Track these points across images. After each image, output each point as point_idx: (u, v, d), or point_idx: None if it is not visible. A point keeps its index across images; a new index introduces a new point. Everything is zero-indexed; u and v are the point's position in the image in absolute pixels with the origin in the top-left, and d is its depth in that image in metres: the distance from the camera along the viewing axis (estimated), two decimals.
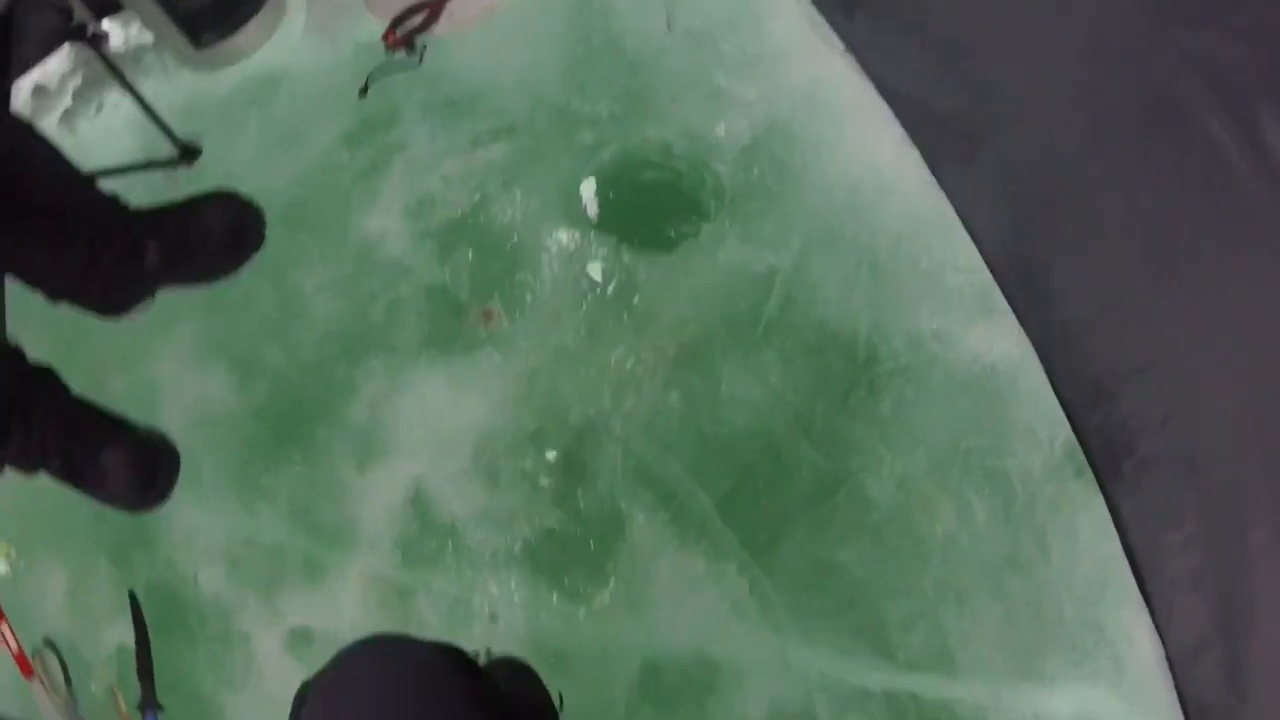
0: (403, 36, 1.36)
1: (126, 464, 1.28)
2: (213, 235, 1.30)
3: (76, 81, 1.64)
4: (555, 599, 1.17)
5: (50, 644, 1.40)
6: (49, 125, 1.63)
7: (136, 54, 1.58)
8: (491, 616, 1.18)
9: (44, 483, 1.29)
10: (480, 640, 1.17)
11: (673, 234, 1.26)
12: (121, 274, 1.25)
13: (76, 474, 1.28)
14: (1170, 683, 1.18)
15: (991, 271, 1.30)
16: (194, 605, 1.30)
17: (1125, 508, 1.23)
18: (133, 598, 1.34)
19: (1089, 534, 1.24)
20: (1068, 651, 1.20)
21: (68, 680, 1.39)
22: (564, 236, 1.27)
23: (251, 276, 1.33)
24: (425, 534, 1.21)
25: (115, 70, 1.38)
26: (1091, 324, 1.22)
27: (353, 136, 1.37)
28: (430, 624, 1.19)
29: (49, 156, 1.17)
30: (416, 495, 1.22)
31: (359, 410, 1.26)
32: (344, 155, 1.35)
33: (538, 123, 1.32)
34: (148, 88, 1.48)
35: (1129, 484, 1.23)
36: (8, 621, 1.42)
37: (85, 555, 1.39)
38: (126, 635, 1.34)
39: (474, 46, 1.39)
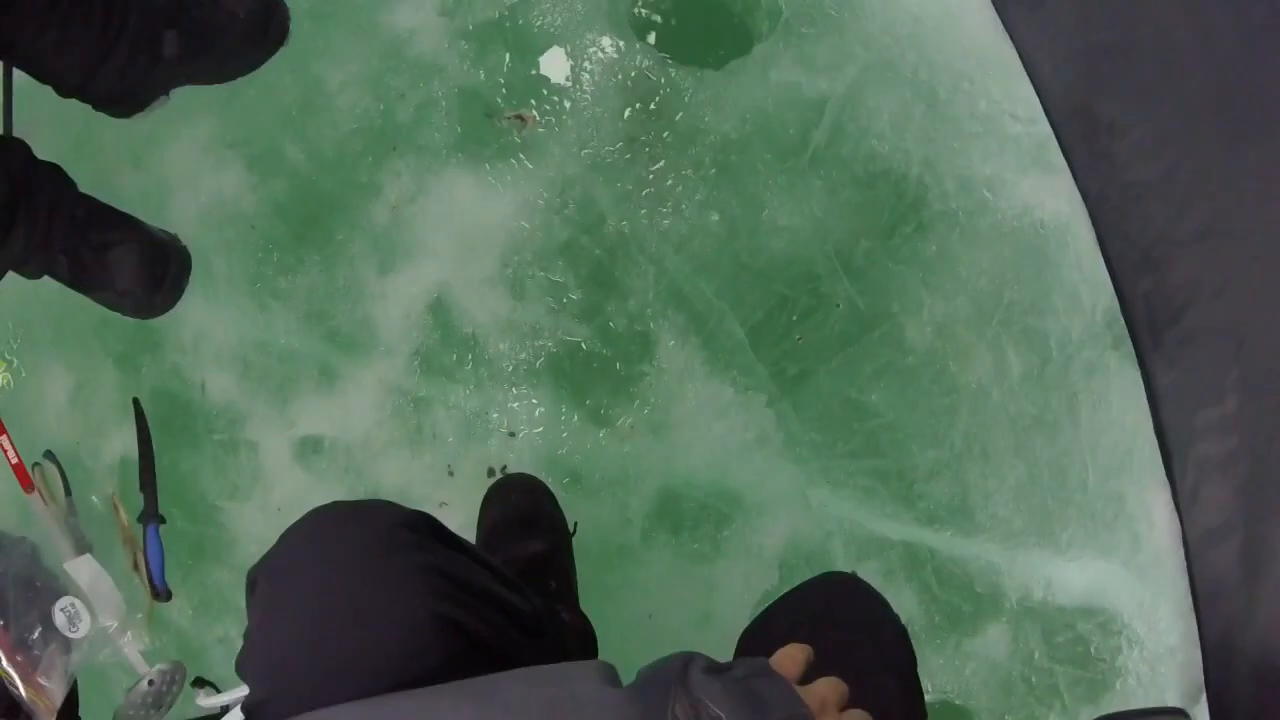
0: None
1: (135, 263, 1.23)
2: (235, 26, 1.21)
3: None
4: (576, 418, 1.15)
5: (50, 455, 1.39)
6: None
7: None
8: (509, 432, 1.16)
9: (49, 289, 1.25)
10: (496, 456, 1.15)
11: (722, 51, 1.19)
12: (136, 64, 1.18)
13: (82, 274, 1.24)
14: (1184, 565, 1.17)
15: (1051, 123, 1.24)
16: (201, 412, 1.28)
17: (1162, 381, 1.20)
18: (136, 405, 1.30)
19: (1120, 404, 1.21)
20: (1086, 521, 1.19)
21: (68, 492, 1.37)
22: (606, 44, 1.19)
23: (273, 70, 1.25)
24: (445, 343, 1.17)
25: None
26: (1153, 186, 1.17)
27: None
28: (446, 438, 1.16)
29: None
30: (438, 303, 1.18)
31: (381, 212, 1.20)
32: None
33: None
34: None
35: (1170, 356, 1.19)
36: (7, 433, 1.40)
37: (89, 362, 1.35)
38: (129, 445, 1.31)
39: None
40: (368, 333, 1.19)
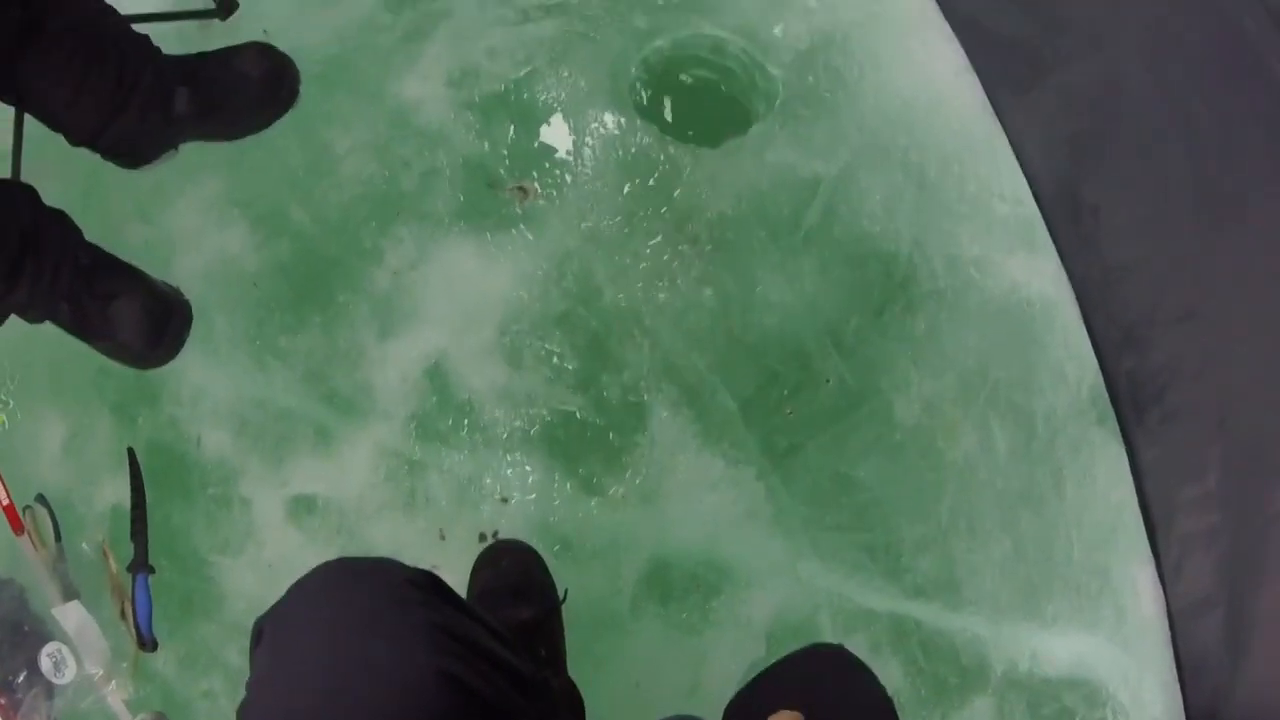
0: None
1: (137, 315, 1.25)
2: (246, 87, 1.25)
3: None
4: (569, 486, 1.16)
5: (42, 499, 1.39)
6: None
7: None
8: (502, 499, 1.16)
9: (48, 333, 1.26)
10: (489, 521, 1.16)
11: (720, 131, 1.23)
12: (147, 120, 1.20)
13: (84, 323, 1.25)
14: (1169, 638, 1.19)
15: (1038, 205, 1.28)
16: (195, 467, 1.28)
17: (1146, 457, 1.23)
18: (131, 455, 1.31)
19: (1105, 480, 1.23)
20: (1071, 595, 1.21)
21: (58, 537, 1.37)
22: (608, 120, 1.23)
23: (281, 133, 1.28)
24: (441, 409, 1.19)
25: None
26: (1135, 268, 1.20)
27: None
28: (439, 502, 1.17)
29: None
30: (436, 369, 1.20)
31: (383, 277, 1.22)
32: (386, 17, 1.30)
33: (592, 2, 1.27)
34: None
35: (1153, 434, 1.22)
36: (0, 475, 1.40)
37: (86, 410, 1.36)
38: (122, 494, 1.31)
39: None
40: (365, 395, 1.20)
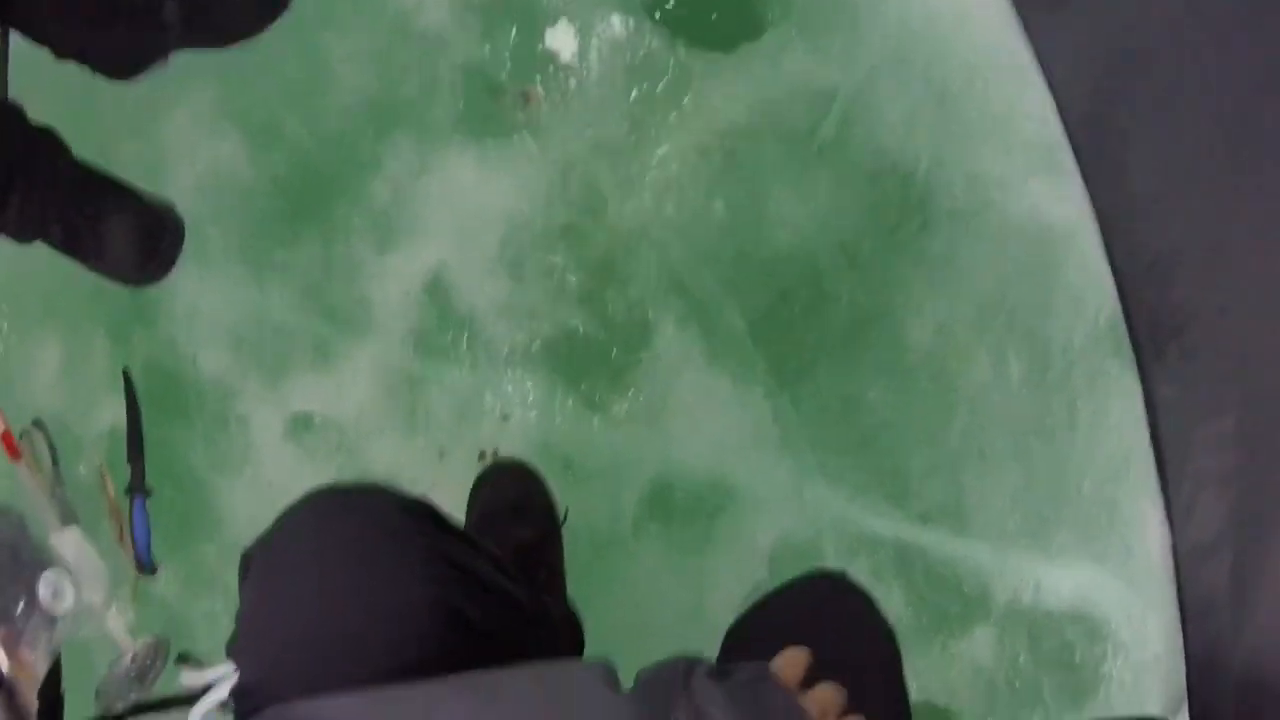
0: None
1: (129, 232, 1.22)
2: None
3: None
4: (571, 404, 1.14)
5: (39, 424, 1.37)
6: None
7: None
8: (503, 416, 1.15)
9: (41, 255, 1.23)
10: (488, 439, 1.14)
11: (734, 35, 1.16)
12: (136, 29, 1.16)
13: (76, 242, 1.22)
14: (1173, 577, 1.17)
15: (1064, 127, 1.22)
16: (193, 386, 1.26)
17: (1162, 393, 1.19)
18: (126, 376, 1.29)
19: (1119, 413, 1.20)
20: (1079, 528, 1.19)
21: (55, 462, 1.36)
22: (617, 23, 1.17)
23: (274, 40, 1.22)
24: (442, 323, 1.16)
25: None
26: (1161, 197, 1.16)
27: None
28: (439, 418, 1.15)
29: None
30: (436, 282, 1.17)
31: (381, 188, 1.19)
32: None
33: None
34: None
35: (1171, 369, 1.18)
36: None
37: (80, 331, 1.34)
38: (119, 416, 1.30)
39: None
40: (364, 310, 1.17)
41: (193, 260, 1.25)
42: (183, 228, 1.26)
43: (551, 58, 1.18)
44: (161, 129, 1.29)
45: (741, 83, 1.17)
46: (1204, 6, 1.00)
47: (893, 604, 1.13)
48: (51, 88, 1.24)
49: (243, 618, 0.64)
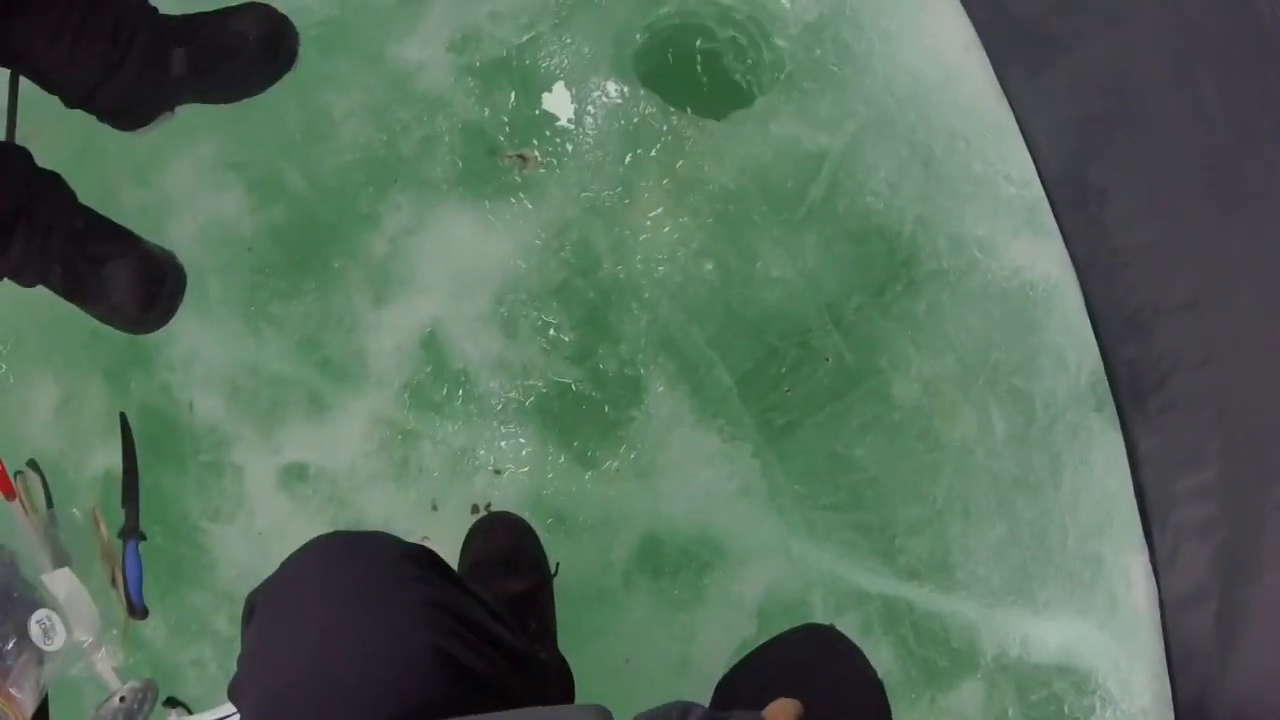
0: None
1: (130, 279, 1.23)
2: (244, 49, 1.22)
3: None
4: (563, 459, 1.15)
5: (34, 464, 1.38)
6: None
7: None
8: (495, 470, 1.16)
9: (41, 297, 1.25)
10: (481, 493, 1.15)
11: (724, 102, 1.21)
12: (144, 80, 1.18)
13: (77, 287, 1.24)
14: (1160, 628, 1.19)
15: (1044, 188, 1.26)
16: (188, 432, 1.27)
17: (1144, 446, 1.22)
18: (123, 420, 1.30)
19: (1102, 467, 1.23)
20: (1064, 581, 1.20)
21: (49, 503, 1.36)
22: (611, 89, 1.21)
23: (278, 95, 1.26)
24: (436, 378, 1.18)
25: None
26: (1140, 254, 1.19)
27: None
28: (432, 472, 1.16)
29: None
30: (431, 337, 1.19)
31: (379, 243, 1.21)
32: None
33: None
34: None
35: (1152, 422, 1.21)
36: None
37: (78, 374, 1.34)
38: (114, 459, 1.30)
39: None
40: (359, 363, 1.19)
41: (192, 308, 1.27)
42: (184, 276, 1.28)
43: (548, 121, 1.22)
44: (165, 178, 1.31)
45: (732, 147, 1.21)
46: (1179, 68, 1.05)
47: (881, 658, 1.15)
48: (58, 134, 1.27)
49: (245, 660, 0.65)
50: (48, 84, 1.14)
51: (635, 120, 1.21)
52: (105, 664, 1.24)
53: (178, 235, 1.28)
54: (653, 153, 1.20)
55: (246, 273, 1.24)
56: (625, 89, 1.22)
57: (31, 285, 1.20)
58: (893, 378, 1.16)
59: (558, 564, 1.12)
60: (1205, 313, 1.09)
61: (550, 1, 1.24)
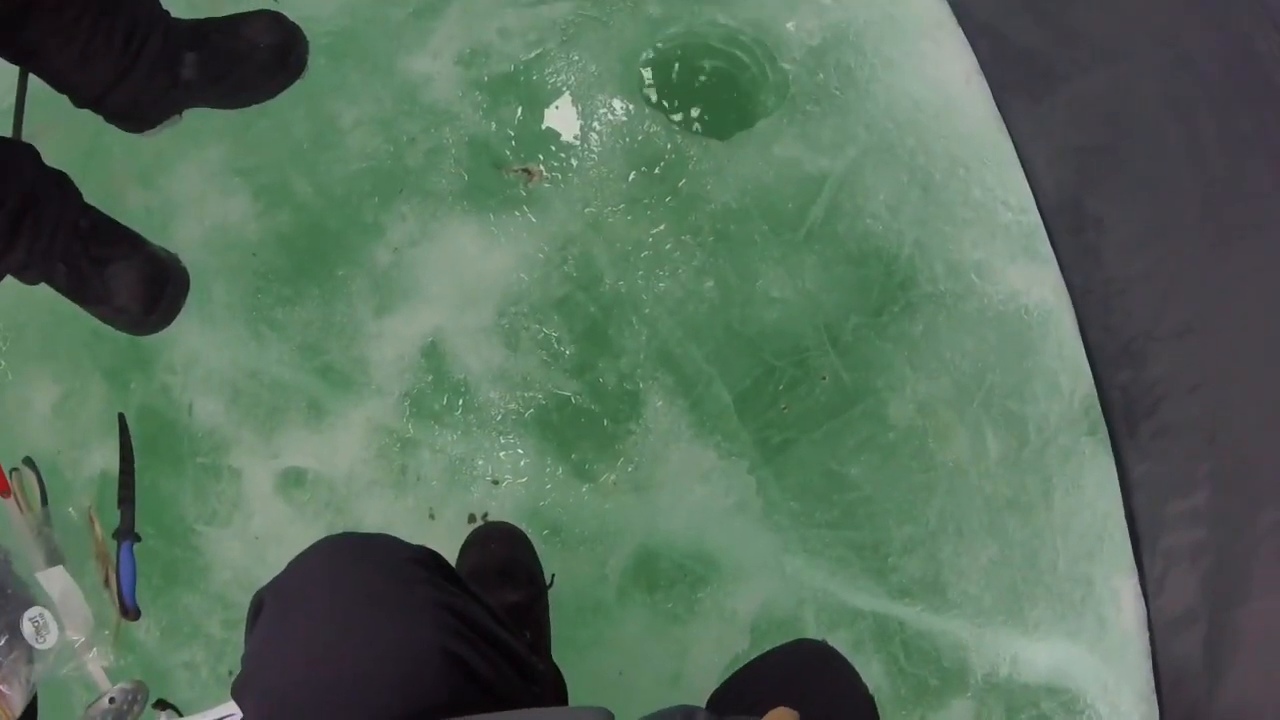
0: None
1: (134, 280, 1.24)
2: (254, 56, 1.23)
3: None
4: (561, 471, 1.16)
5: (30, 462, 1.37)
6: None
7: None
8: (494, 480, 1.16)
9: (43, 295, 1.25)
10: (479, 503, 1.16)
11: (728, 122, 1.23)
12: (154, 83, 1.19)
13: (81, 286, 1.24)
14: (1149, 650, 1.20)
15: (1042, 215, 1.28)
16: (186, 435, 1.27)
17: (1135, 470, 1.24)
18: (122, 421, 1.30)
19: (1093, 491, 1.24)
20: (1054, 603, 1.21)
21: (45, 501, 1.36)
22: (617, 107, 1.23)
23: (287, 103, 1.27)
24: (436, 388, 1.18)
25: None
26: (1135, 282, 1.21)
27: None
28: (430, 481, 1.17)
29: None
30: (432, 347, 1.19)
31: (383, 253, 1.22)
32: None
33: None
34: None
35: (1144, 447, 1.23)
36: None
37: (78, 374, 1.34)
38: (111, 460, 1.30)
39: None
40: (360, 370, 1.19)
41: (195, 312, 1.27)
42: (187, 279, 1.28)
43: (554, 137, 1.23)
44: (171, 182, 1.31)
45: (734, 167, 1.22)
46: (1176, 99, 1.07)
47: (872, 675, 1.15)
48: (66, 133, 1.28)
49: (251, 658, 0.65)
50: (59, 83, 1.15)
51: (640, 138, 1.23)
52: (96, 664, 1.24)
53: (182, 238, 1.28)
54: (656, 170, 1.22)
55: (250, 277, 1.25)
56: (630, 107, 1.23)
57: (35, 283, 1.20)
58: (888, 398, 1.17)
59: (553, 575, 1.12)
60: (1197, 340, 1.11)
61: (558, 19, 1.26)
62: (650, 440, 1.15)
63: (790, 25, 1.26)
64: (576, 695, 1.04)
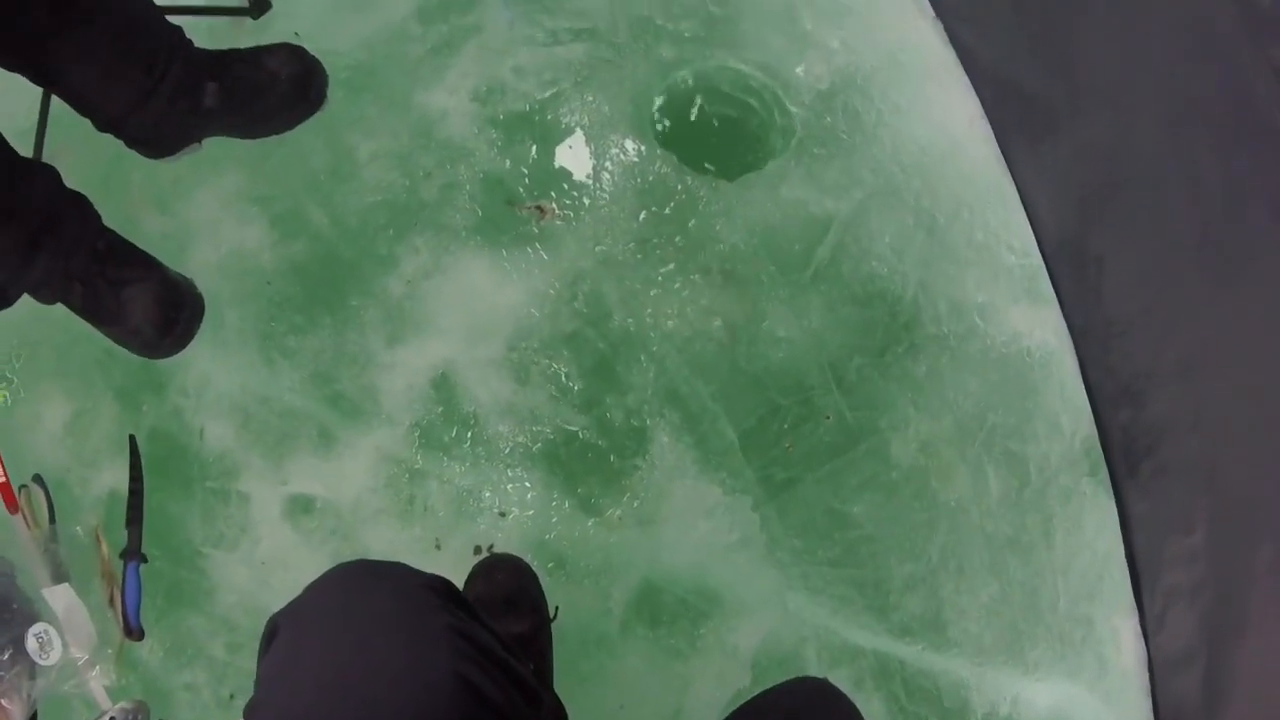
0: None
1: (149, 303, 1.25)
2: (274, 87, 1.26)
3: None
4: (567, 505, 1.17)
5: (39, 479, 1.38)
6: None
7: None
8: (500, 512, 1.18)
9: (58, 315, 1.26)
10: (485, 535, 1.17)
11: (737, 164, 1.25)
12: (175, 110, 1.21)
13: (96, 307, 1.25)
14: (1148, 689, 1.21)
15: (1044, 255, 1.30)
16: (196, 458, 1.28)
17: (1135, 509, 1.25)
18: (133, 441, 1.31)
19: (1094, 531, 1.25)
20: (1054, 642, 1.22)
21: (52, 519, 1.37)
22: (629, 147, 1.25)
23: (305, 134, 1.30)
24: (446, 419, 1.20)
25: None
26: (1135, 323, 1.23)
27: (429, 11, 1.33)
28: (437, 511, 1.18)
29: None
30: (443, 379, 1.21)
31: (396, 284, 1.24)
32: (417, 28, 1.32)
33: (620, 30, 1.29)
34: None
35: (1144, 486, 1.24)
36: None
37: (90, 394, 1.36)
38: (120, 480, 1.31)
39: None
40: (371, 400, 1.21)
41: (208, 337, 1.29)
42: (202, 304, 1.30)
43: (566, 175, 1.25)
44: (188, 208, 1.33)
45: (743, 208, 1.24)
46: (1177, 144, 1.08)
47: (873, 713, 1.16)
48: (85, 155, 1.30)
49: (264, 681, 0.66)
50: (80, 105, 1.17)
51: (650, 178, 1.25)
52: (98, 682, 1.25)
53: (198, 264, 1.30)
54: (666, 210, 1.24)
55: (264, 305, 1.27)
56: (642, 148, 1.26)
57: (51, 303, 1.21)
58: (891, 437, 1.19)
59: (557, 608, 1.13)
60: (1196, 380, 1.12)
61: (573, 60, 1.29)
62: (655, 476, 1.17)
63: (799, 70, 1.29)
64: None
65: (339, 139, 1.29)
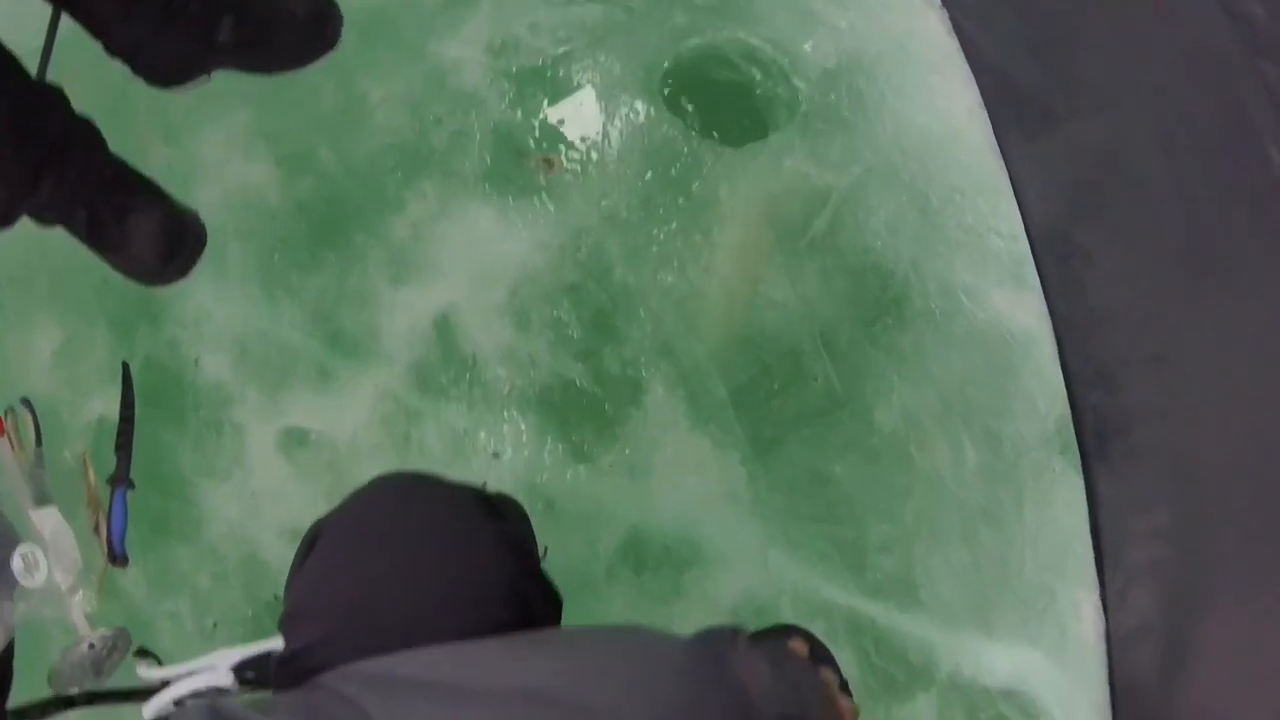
0: None
1: (153, 231, 1.24)
2: (290, 25, 1.25)
3: None
4: (560, 450, 1.20)
5: (26, 402, 1.37)
6: None
7: None
8: (494, 453, 1.20)
9: (55, 239, 1.25)
10: (478, 474, 1.19)
11: (741, 132, 1.28)
12: (189, 42, 1.21)
13: (99, 232, 1.24)
14: (1105, 661, 1.26)
15: (1031, 245, 1.34)
16: (191, 388, 1.29)
17: (1103, 488, 1.30)
18: (125, 368, 1.30)
19: (1062, 506, 1.30)
20: (1018, 610, 1.27)
21: (39, 442, 1.35)
22: (638, 108, 1.27)
23: (317, 74, 1.28)
24: (445, 361, 1.22)
25: None
26: (1115, 313, 1.28)
27: None
28: (432, 450, 1.20)
29: None
30: (444, 321, 1.23)
31: (402, 226, 1.26)
32: None
33: None
34: None
35: (1112, 467, 1.29)
36: None
37: (84, 320, 1.35)
38: (110, 408, 1.30)
39: None
40: (371, 338, 1.23)
41: (209, 270, 1.28)
42: (205, 236, 1.29)
43: (575, 131, 1.28)
44: (196, 142, 1.33)
45: (745, 176, 1.27)
46: (1168, 140, 1.13)
47: (844, 665, 1.19)
48: (91, 82, 1.28)
49: (308, 585, 0.65)
50: (96, 30, 1.15)
51: (657, 140, 1.28)
52: (78, 610, 1.24)
53: (203, 197, 1.30)
54: (671, 172, 1.26)
55: (268, 240, 1.28)
56: (651, 110, 1.28)
57: (52, 225, 1.20)
58: (875, 404, 1.23)
59: (546, 548, 1.15)
60: (1169, 369, 1.17)
61: (588, 20, 1.31)
62: (648, 426, 1.20)
63: (808, 46, 1.32)
64: None
65: (351, 81, 1.30)
